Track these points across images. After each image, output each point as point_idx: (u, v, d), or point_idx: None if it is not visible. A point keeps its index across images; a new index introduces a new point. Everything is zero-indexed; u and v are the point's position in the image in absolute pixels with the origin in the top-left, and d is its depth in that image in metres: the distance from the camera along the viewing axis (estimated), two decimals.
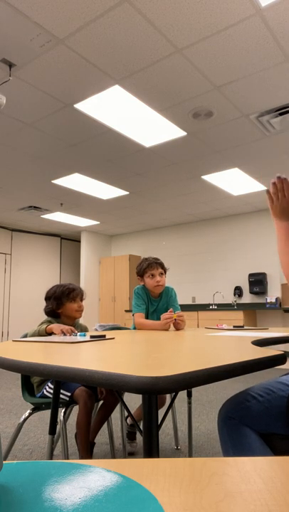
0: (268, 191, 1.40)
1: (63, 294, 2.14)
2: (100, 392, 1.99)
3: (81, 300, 2.22)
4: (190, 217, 7.69)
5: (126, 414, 2.35)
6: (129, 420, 2.38)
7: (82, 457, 1.79)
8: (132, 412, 2.47)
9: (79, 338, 1.51)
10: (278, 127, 3.86)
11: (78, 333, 1.78)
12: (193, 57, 2.81)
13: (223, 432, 1.07)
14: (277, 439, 1.04)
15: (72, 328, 1.88)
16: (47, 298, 2.19)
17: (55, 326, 1.88)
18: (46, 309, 2.18)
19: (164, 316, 2.17)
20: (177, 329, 2.19)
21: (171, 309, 2.26)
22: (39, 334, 1.90)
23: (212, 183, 5.58)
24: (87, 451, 1.76)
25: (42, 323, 2.06)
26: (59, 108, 3.48)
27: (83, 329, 2.26)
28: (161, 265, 2.47)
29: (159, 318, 2.42)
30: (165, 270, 2.50)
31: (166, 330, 2.15)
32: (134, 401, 3.61)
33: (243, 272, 7.21)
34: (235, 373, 0.78)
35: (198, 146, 4.33)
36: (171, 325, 2.22)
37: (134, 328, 2.41)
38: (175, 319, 2.16)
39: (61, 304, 2.15)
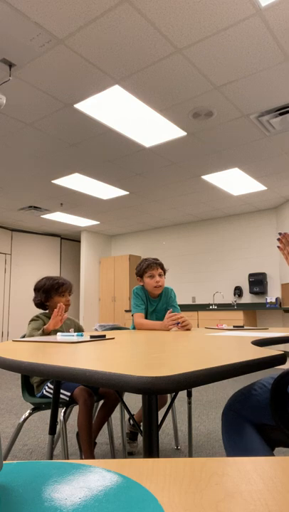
0: (279, 247, 1.51)
1: (53, 288, 2.17)
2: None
3: (69, 294, 2.24)
4: (190, 217, 7.69)
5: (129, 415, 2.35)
6: (135, 417, 2.38)
7: (85, 458, 1.78)
8: (134, 412, 2.47)
9: (79, 338, 1.51)
10: (278, 127, 3.86)
11: (76, 333, 1.77)
12: (193, 57, 2.81)
13: (223, 421, 1.20)
14: (269, 429, 1.13)
15: (62, 305, 1.97)
16: (36, 289, 2.21)
17: (52, 323, 1.94)
18: (36, 301, 2.21)
19: (171, 316, 2.14)
20: (187, 330, 2.16)
21: (170, 309, 2.25)
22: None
23: (212, 183, 5.58)
24: (90, 451, 1.76)
25: (30, 321, 2.09)
26: (59, 108, 3.48)
27: (76, 325, 2.29)
28: (161, 266, 2.47)
29: (158, 319, 2.42)
30: (165, 271, 2.49)
31: (168, 330, 2.14)
32: (134, 401, 3.61)
33: (243, 272, 7.21)
34: (235, 373, 0.78)
35: (198, 146, 4.33)
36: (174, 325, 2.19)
37: (134, 328, 2.41)
38: (178, 323, 2.14)
39: (50, 297, 2.18)
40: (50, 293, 2.17)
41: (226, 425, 1.18)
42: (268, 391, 1.13)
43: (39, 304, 2.21)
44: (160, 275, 2.44)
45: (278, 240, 1.49)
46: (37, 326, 2.09)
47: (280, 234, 1.48)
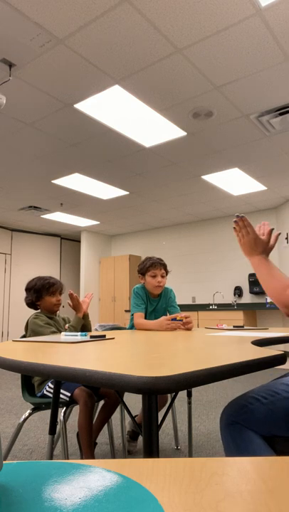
0: (234, 229, 1.49)
1: (43, 288, 2.19)
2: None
3: (60, 294, 2.26)
4: (190, 217, 7.68)
5: (133, 414, 2.34)
6: (136, 419, 2.37)
7: (85, 458, 1.78)
8: (134, 413, 2.47)
9: (79, 338, 1.51)
10: (278, 127, 3.86)
11: (80, 333, 1.78)
12: (193, 57, 2.81)
13: (226, 437, 1.05)
14: (281, 441, 1.03)
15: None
16: (27, 289, 2.23)
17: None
18: (27, 300, 2.23)
19: (169, 320, 2.13)
20: (187, 329, 2.15)
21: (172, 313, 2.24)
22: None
23: (212, 183, 5.58)
24: (90, 451, 1.76)
25: (34, 318, 2.08)
26: (59, 108, 3.48)
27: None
28: (164, 266, 2.47)
29: (157, 318, 2.41)
30: (167, 272, 2.50)
31: (170, 330, 2.11)
32: (134, 401, 3.61)
33: (243, 272, 7.21)
34: (235, 373, 0.78)
35: (198, 146, 4.33)
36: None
37: (131, 328, 2.41)
38: (180, 320, 2.13)
39: (40, 297, 2.20)
40: (41, 293, 2.19)
41: (234, 442, 1.03)
42: (283, 399, 1.03)
43: (30, 304, 2.22)
44: (162, 276, 2.44)
45: (235, 221, 1.47)
46: (46, 321, 2.11)
47: (237, 216, 1.45)
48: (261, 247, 1.43)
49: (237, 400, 1.10)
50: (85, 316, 2.22)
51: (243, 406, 1.06)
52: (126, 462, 0.35)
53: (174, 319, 2.13)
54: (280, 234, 1.54)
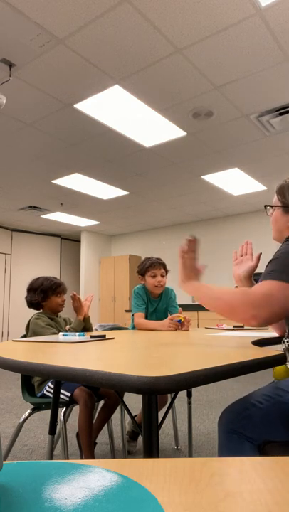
0: (180, 255, 1.34)
1: (51, 288, 2.20)
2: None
3: (64, 294, 2.28)
4: (190, 217, 7.68)
5: (133, 414, 2.34)
6: (136, 419, 2.36)
7: (85, 458, 1.78)
8: (134, 413, 2.47)
9: (77, 338, 1.51)
10: (278, 127, 3.86)
11: (78, 333, 1.78)
12: (193, 57, 2.81)
13: (223, 447, 1.05)
14: (276, 446, 1.03)
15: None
16: (32, 289, 2.21)
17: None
18: (31, 300, 2.21)
19: (173, 318, 2.13)
20: (185, 330, 2.15)
21: (181, 309, 2.25)
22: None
23: (212, 183, 5.58)
24: (90, 451, 1.76)
25: (36, 319, 2.08)
26: (59, 108, 3.48)
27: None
28: (164, 266, 2.48)
29: (158, 319, 2.42)
30: (167, 271, 2.50)
31: (174, 330, 2.11)
32: (134, 401, 3.61)
33: None
34: (235, 373, 0.78)
35: (198, 146, 4.33)
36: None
37: (133, 328, 2.41)
38: (179, 320, 2.13)
39: (47, 297, 2.20)
40: (47, 293, 2.19)
41: (226, 448, 1.03)
42: (277, 403, 1.05)
43: (34, 304, 2.21)
44: (162, 275, 2.44)
45: (188, 240, 1.34)
46: (48, 322, 2.12)
47: (191, 236, 1.35)
48: (196, 275, 1.31)
49: (235, 405, 1.10)
50: (86, 320, 2.22)
51: (241, 411, 1.07)
52: (126, 462, 0.35)
53: (179, 320, 2.13)
54: (261, 254, 1.51)
